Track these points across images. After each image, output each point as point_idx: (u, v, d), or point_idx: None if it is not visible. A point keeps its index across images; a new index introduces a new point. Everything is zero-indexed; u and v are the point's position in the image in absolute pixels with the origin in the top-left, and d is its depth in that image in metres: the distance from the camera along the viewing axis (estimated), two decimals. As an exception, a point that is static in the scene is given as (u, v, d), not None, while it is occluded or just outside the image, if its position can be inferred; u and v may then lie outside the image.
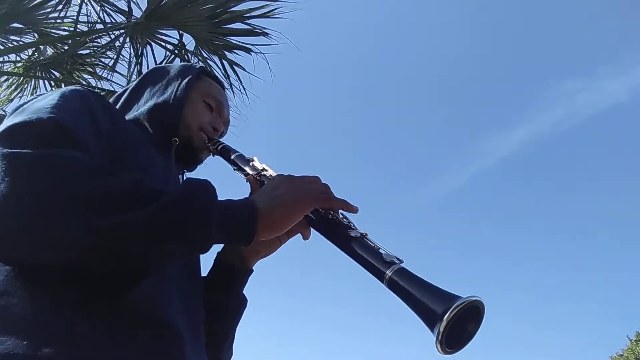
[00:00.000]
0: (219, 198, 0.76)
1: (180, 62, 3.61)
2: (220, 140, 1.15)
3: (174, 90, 1.11)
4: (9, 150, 0.67)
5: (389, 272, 0.73)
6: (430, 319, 0.68)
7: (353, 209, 0.88)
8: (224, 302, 1.01)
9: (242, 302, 1.06)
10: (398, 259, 0.76)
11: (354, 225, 0.85)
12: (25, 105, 0.81)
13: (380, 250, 0.78)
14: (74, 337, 0.64)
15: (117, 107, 1.15)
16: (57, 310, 0.65)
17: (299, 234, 0.95)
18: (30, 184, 0.65)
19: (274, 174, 0.99)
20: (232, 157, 1.10)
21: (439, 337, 0.66)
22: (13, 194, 0.64)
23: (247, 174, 1.05)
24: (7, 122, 0.73)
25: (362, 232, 0.82)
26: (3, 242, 0.66)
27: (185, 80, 1.13)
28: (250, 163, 1.07)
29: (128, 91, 1.18)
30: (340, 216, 0.87)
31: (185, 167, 1.18)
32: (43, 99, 0.82)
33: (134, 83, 1.20)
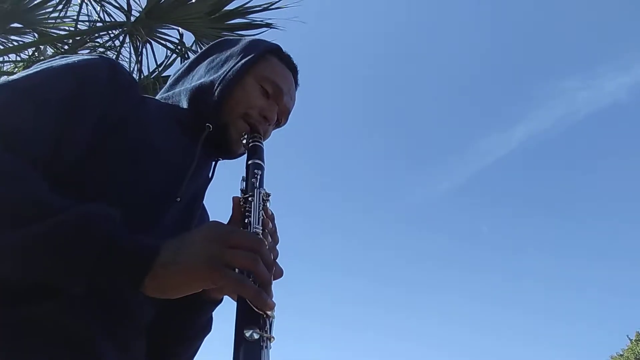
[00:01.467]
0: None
1: (181, 61, 3.64)
2: (260, 137, 0.99)
3: (227, 70, 1.00)
4: None
5: None
6: None
7: (265, 306, 0.65)
8: (183, 326, 0.92)
9: (205, 328, 0.96)
10: None
11: (269, 321, 0.66)
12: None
13: None
14: None
15: (171, 79, 1.08)
16: None
17: None
18: None
19: (255, 204, 0.85)
20: (249, 162, 0.94)
21: None
22: None
23: (242, 190, 0.91)
24: None
25: (269, 335, 0.65)
26: None
27: (244, 60, 1.01)
28: (252, 179, 0.91)
29: (186, 64, 1.10)
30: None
31: (221, 155, 1.05)
32: (28, 70, 0.78)
33: (195, 56, 1.11)
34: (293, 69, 1.10)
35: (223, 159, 1.06)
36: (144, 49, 3.63)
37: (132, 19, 3.49)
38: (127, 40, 3.58)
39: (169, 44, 3.62)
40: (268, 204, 0.88)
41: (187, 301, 0.85)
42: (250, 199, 0.86)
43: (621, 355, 20.90)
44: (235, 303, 0.68)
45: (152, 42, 3.64)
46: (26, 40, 3.84)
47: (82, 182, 0.76)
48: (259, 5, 3.37)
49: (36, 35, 3.79)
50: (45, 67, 0.79)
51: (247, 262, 0.66)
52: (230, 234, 0.68)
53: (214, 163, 1.04)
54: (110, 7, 3.59)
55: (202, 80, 1.01)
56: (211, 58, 1.07)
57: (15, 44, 3.85)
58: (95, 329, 0.71)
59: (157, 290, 0.65)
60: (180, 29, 3.48)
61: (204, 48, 1.14)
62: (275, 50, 1.08)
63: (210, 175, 1.04)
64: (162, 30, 3.58)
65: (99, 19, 3.67)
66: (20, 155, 0.68)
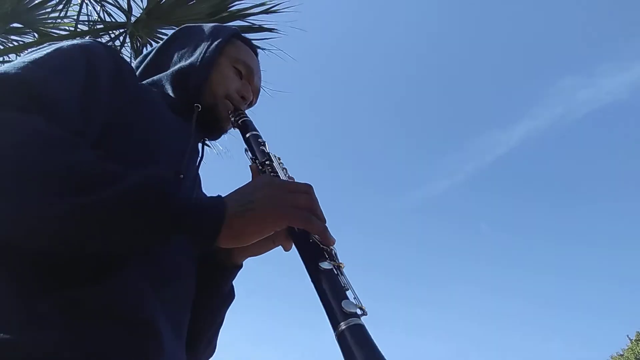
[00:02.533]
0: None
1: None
2: (245, 113, 1.07)
3: (202, 53, 1.04)
4: None
5: (343, 325, 0.63)
6: None
7: (329, 241, 0.74)
8: (209, 295, 0.95)
9: (226, 298, 0.99)
10: (362, 309, 0.67)
11: (334, 252, 0.74)
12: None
13: (348, 292, 0.69)
14: (35, 325, 0.60)
15: (140, 68, 1.10)
16: (20, 297, 0.62)
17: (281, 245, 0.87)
18: None
19: (275, 166, 0.92)
20: (247, 135, 1.02)
21: None
22: None
23: (254, 159, 0.98)
24: None
25: (338, 263, 0.72)
26: None
27: (215, 43, 1.06)
28: (260, 147, 0.99)
29: (153, 52, 1.12)
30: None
31: (208, 135, 1.11)
32: (36, 52, 0.77)
33: (161, 44, 1.14)
34: (255, 52, 1.17)
35: (209, 140, 1.12)
36: (144, 50, 3.63)
37: (133, 19, 3.49)
38: (128, 40, 3.58)
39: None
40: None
41: (213, 269, 0.94)
42: (267, 162, 0.93)
43: (621, 355, 20.90)
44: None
45: (153, 42, 3.63)
46: (26, 40, 3.83)
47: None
48: (259, 6, 3.37)
49: (36, 35, 3.78)
50: (59, 48, 0.79)
51: (308, 203, 0.74)
52: (285, 182, 0.77)
53: (201, 143, 1.07)
54: (111, 7, 3.59)
55: (179, 65, 1.04)
56: (179, 44, 1.10)
57: (16, 44, 3.84)
58: (151, 306, 0.71)
59: (233, 238, 0.70)
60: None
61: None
62: (238, 34, 1.15)
63: (201, 154, 1.06)
64: (163, 31, 3.57)
65: (99, 19, 3.66)
66: (63, 126, 0.68)
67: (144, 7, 3.37)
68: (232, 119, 1.05)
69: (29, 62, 0.71)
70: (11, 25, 3.65)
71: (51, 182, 0.61)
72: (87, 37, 3.68)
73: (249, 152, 1.01)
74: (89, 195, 0.61)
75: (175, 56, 1.07)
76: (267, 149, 0.99)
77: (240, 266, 0.98)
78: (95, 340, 0.62)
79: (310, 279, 0.71)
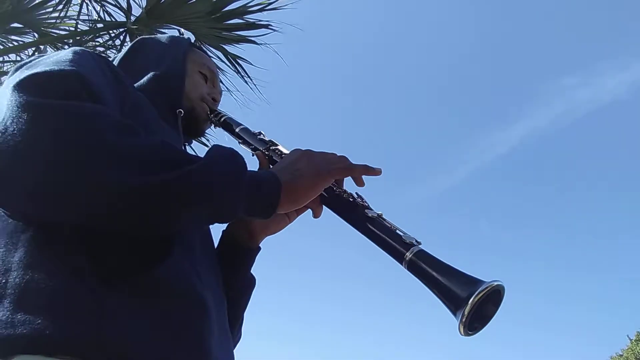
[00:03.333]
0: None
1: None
2: (222, 111, 1.14)
3: (171, 62, 1.09)
4: (34, 99, 0.63)
5: (409, 254, 0.71)
6: (454, 302, 0.67)
7: (376, 171, 0.89)
8: (231, 280, 0.98)
9: (250, 281, 1.04)
10: (417, 240, 0.75)
11: (369, 206, 0.84)
12: (36, 60, 0.76)
13: (398, 232, 0.77)
14: (104, 315, 0.61)
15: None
16: (85, 286, 0.63)
17: (310, 210, 0.93)
18: (60, 135, 0.61)
19: (283, 149, 0.98)
20: (237, 129, 1.09)
21: (463, 320, 0.65)
22: (41, 144, 0.60)
23: (255, 149, 1.03)
24: (24, 73, 0.67)
25: (378, 212, 0.82)
26: (24, 196, 0.63)
27: (181, 51, 1.13)
28: (257, 137, 1.05)
29: (117, 63, 1.12)
30: (356, 195, 0.87)
31: (190, 138, 1.18)
32: (55, 55, 0.78)
33: (120, 55, 1.15)
34: (209, 57, 1.28)
35: (188, 143, 1.19)
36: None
37: (133, 18, 3.50)
38: (128, 40, 3.59)
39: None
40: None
41: (233, 253, 1.01)
42: (272, 147, 1.00)
43: (621, 355, 20.89)
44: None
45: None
46: (26, 40, 3.84)
47: None
48: (259, 4, 3.38)
49: (36, 35, 3.79)
50: (72, 50, 0.80)
51: (343, 159, 0.86)
52: (316, 151, 0.87)
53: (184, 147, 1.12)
54: (111, 6, 3.60)
55: (153, 72, 1.07)
56: (142, 53, 1.13)
57: (16, 43, 3.86)
58: (199, 285, 0.75)
59: (291, 201, 0.80)
60: (180, 28, 3.48)
61: (204, 49, 1.21)
62: (193, 43, 1.24)
63: None
64: (163, 30, 3.58)
65: (99, 19, 3.67)
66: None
67: (144, 6, 3.38)
68: (213, 119, 1.12)
69: (69, 60, 0.73)
70: (11, 25, 3.66)
71: (131, 158, 0.64)
72: (86, 37, 3.72)
73: (245, 145, 1.07)
74: (175, 170, 0.65)
75: (142, 66, 1.09)
76: (266, 137, 1.04)
77: (259, 249, 1.05)
78: (161, 325, 0.66)
79: (360, 230, 0.80)
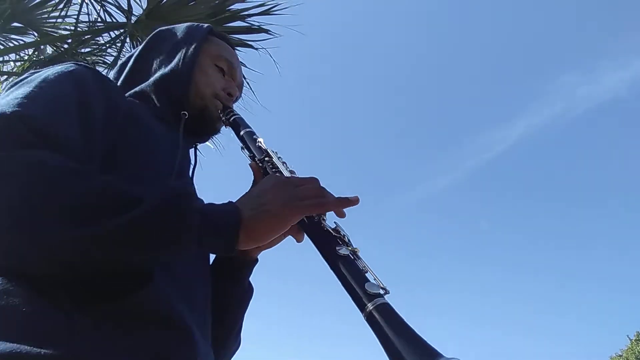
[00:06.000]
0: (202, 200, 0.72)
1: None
2: (234, 110, 1.07)
3: (182, 57, 1.03)
4: None
5: (370, 306, 0.65)
6: None
7: (352, 202, 0.80)
8: (228, 291, 0.97)
9: (247, 292, 1.02)
10: (384, 288, 0.69)
11: (347, 239, 0.77)
12: (8, 88, 0.76)
13: (368, 275, 0.71)
14: (77, 337, 0.62)
15: (121, 78, 1.08)
16: (59, 311, 0.63)
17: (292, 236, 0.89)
18: None
19: (276, 162, 0.92)
20: (241, 132, 1.02)
21: None
22: None
23: (253, 156, 0.98)
24: None
25: (354, 248, 0.76)
26: None
27: (193, 45, 1.04)
28: (257, 144, 0.99)
29: (132, 60, 1.09)
30: (334, 225, 0.80)
31: (199, 139, 1.11)
32: (21, 85, 0.77)
33: (138, 50, 1.11)
34: (231, 44, 1.16)
35: (201, 143, 1.12)
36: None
37: (133, 19, 3.49)
38: (128, 41, 3.58)
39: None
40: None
41: (229, 266, 0.95)
42: (267, 159, 0.94)
43: (620, 355, 20.93)
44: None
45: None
46: (26, 40, 3.84)
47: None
48: (260, 6, 3.37)
49: (36, 35, 3.78)
50: (46, 78, 0.79)
51: (317, 191, 0.78)
52: (291, 178, 0.81)
53: (193, 149, 1.07)
54: (111, 7, 3.59)
55: (160, 72, 1.02)
56: (156, 50, 1.08)
57: (16, 43, 3.85)
58: (181, 310, 0.73)
59: (252, 240, 0.73)
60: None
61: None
62: (212, 31, 1.12)
63: (194, 161, 1.06)
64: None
65: (99, 19, 3.66)
66: (70, 157, 0.69)
67: (144, 7, 3.37)
68: (223, 117, 1.05)
69: (22, 97, 0.71)
70: (11, 25, 3.65)
71: (67, 210, 0.63)
72: (86, 37, 3.71)
73: (246, 150, 1.01)
74: (110, 220, 0.63)
75: (155, 63, 1.06)
76: (264, 144, 0.98)
77: (256, 260, 1.01)
78: (134, 349, 0.65)
79: (329, 267, 0.74)
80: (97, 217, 0.63)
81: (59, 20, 3.72)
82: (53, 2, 3.62)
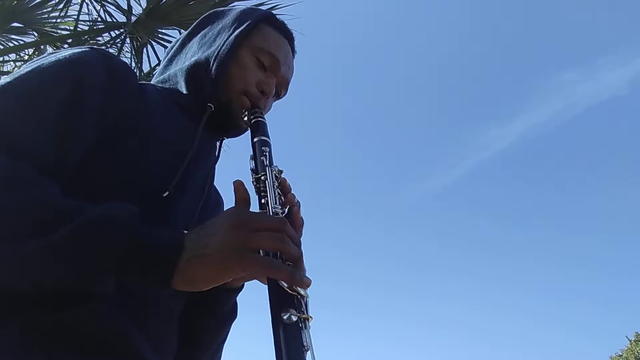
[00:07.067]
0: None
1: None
2: (261, 112, 0.95)
3: (221, 44, 0.95)
4: None
5: None
6: None
7: (300, 284, 0.64)
8: (208, 317, 0.92)
9: (230, 315, 0.96)
10: None
11: (304, 301, 0.65)
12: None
13: (307, 351, 0.61)
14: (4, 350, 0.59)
15: (164, 60, 1.04)
16: None
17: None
18: None
19: (268, 185, 0.81)
20: (255, 139, 0.90)
21: None
22: None
23: (255, 170, 0.86)
24: None
25: (306, 315, 0.63)
26: None
27: (236, 32, 0.96)
28: (260, 157, 0.87)
29: (178, 42, 1.04)
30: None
31: (225, 134, 1.01)
32: (14, 74, 0.74)
33: (187, 31, 1.05)
34: (289, 37, 1.05)
35: (228, 138, 1.02)
36: (144, 50, 3.63)
37: (133, 19, 3.49)
38: (128, 40, 3.58)
39: (169, 45, 3.60)
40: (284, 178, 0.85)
41: (209, 291, 0.84)
42: (262, 178, 0.82)
43: (620, 355, 20.92)
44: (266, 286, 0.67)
45: (153, 42, 3.64)
46: (26, 40, 3.83)
47: (89, 182, 0.74)
48: (259, 6, 3.36)
49: (36, 35, 3.78)
50: (37, 68, 0.75)
51: (273, 243, 0.64)
52: (251, 218, 0.66)
53: (218, 143, 1.01)
54: (111, 7, 3.59)
55: (196, 57, 0.96)
56: (203, 32, 1.02)
57: (16, 43, 3.85)
58: (129, 326, 0.70)
59: (187, 284, 0.64)
60: (180, 29, 3.47)
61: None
62: (268, 18, 1.02)
63: (216, 155, 1.01)
64: (163, 31, 3.58)
65: (99, 19, 3.67)
66: (25, 160, 0.66)
67: (144, 7, 3.37)
68: (245, 117, 0.94)
69: (1, 89, 0.69)
70: (11, 25, 3.65)
71: None
72: (86, 37, 3.71)
73: (252, 161, 0.90)
74: (37, 238, 0.59)
75: (196, 46, 0.99)
76: (268, 160, 0.87)
77: (241, 288, 0.93)
78: None
79: (272, 327, 0.62)
80: (15, 236, 0.59)
81: (59, 20, 3.73)
82: (53, 2, 3.63)
